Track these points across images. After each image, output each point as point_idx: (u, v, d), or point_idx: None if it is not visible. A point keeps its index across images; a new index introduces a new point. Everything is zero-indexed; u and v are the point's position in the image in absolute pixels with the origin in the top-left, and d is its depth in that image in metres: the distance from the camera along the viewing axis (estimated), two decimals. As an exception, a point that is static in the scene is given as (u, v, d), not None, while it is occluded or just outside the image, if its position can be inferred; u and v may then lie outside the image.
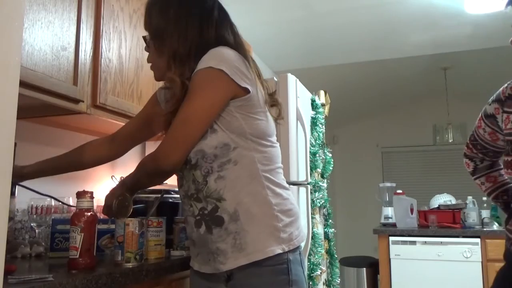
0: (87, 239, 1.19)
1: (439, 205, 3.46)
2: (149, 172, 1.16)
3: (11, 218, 1.44)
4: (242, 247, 1.09)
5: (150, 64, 1.25)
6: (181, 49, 1.14)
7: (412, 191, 4.26)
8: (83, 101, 1.54)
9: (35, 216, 1.55)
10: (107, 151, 1.45)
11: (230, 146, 1.10)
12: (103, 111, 1.65)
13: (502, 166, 1.37)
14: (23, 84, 1.23)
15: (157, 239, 1.42)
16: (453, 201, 3.48)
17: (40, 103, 1.42)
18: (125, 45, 1.76)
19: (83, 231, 1.18)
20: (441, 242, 3.13)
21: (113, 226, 1.42)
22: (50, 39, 1.40)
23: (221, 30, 1.20)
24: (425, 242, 3.17)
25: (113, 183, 2.13)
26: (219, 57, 1.09)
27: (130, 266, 1.24)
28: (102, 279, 1.09)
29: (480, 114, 1.40)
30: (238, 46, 1.19)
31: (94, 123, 1.79)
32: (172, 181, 2.10)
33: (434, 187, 4.94)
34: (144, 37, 1.23)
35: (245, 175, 1.11)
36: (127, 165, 2.33)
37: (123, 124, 1.53)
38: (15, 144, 0.84)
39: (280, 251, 1.09)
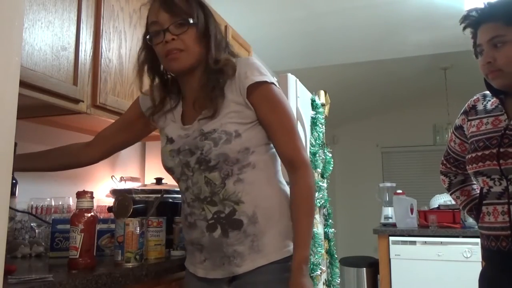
0: (87, 240, 1.19)
1: (439, 205, 3.46)
2: (314, 185, 1.16)
3: (11, 218, 1.44)
4: (260, 249, 1.10)
5: (179, 50, 1.14)
6: (222, 40, 1.20)
7: (412, 191, 4.25)
8: (83, 101, 1.54)
9: (34, 214, 1.55)
10: (85, 156, 1.42)
11: (249, 150, 1.12)
12: (103, 111, 1.65)
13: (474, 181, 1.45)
14: (23, 84, 1.23)
15: (157, 239, 1.42)
16: (453, 201, 3.48)
17: (40, 103, 1.42)
18: (125, 45, 1.76)
19: (83, 231, 1.18)
20: (441, 242, 3.13)
21: (113, 226, 1.42)
22: (50, 39, 1.40)
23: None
24: (425, 242, 3.17)
25: (113, 183, 2.13)
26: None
27: (130, 266, 1.24)
28: (102, 279, 1.09)
29: (451, 129, 1.51)
30: None
31: (94, 123, 1.79)
32: (171, 181, 2.10)
33: (434, 187, 4.91)
34: (186, 20, 1.14)
35: (263, 178, 1.14)
36: (127, 165, 2.33)
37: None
38: (15, 144, 0.84)
39: None
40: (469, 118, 1.39)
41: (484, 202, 1.31)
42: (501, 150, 1.22)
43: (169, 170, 1.22)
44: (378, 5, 3.11)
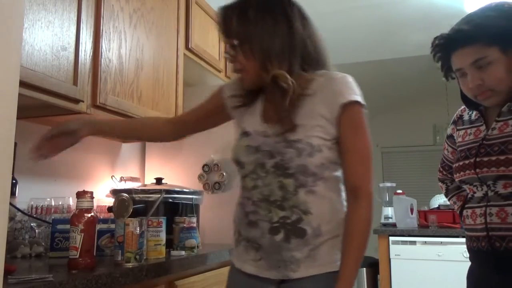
0: (87, 240, 1.19)
1: (439, 205, 3.46)
2: (372, 219, 1.13)
3: (11, 218, 1.44)
4: (316, 258, 1.11)
5: (239, 70, 1.19)
6: (275, 47, 1.14)
7: (412, 191, 4.24)
8: (83, 101, 1.54)
9: (35, 216, 1.55)
10: (167, 132, 1.45)
11: (325, 165, 1.13)
12: (103, 111, 1.65)
13: None
14: (23, 84, 1.23)
15: (157, 239, 1.43)
16: (453, 202, 3.47)
17: (40, 103, 1.43)
18: (125, 45, 1.76)
19: (83, 231, 1.18)
20: (441, 242, 3.13)
21: (113, 226, 1.42)
22: (50, 39, 1.40)
23: (305, 27, 1.19)
24: (425, 242, 3.17)
25: (113, 183, 2.13)
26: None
27: (130, 266, 1.25)
28: (102, 279, 1.09)
29: (445, 138, 1.57)
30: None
31: (94, 123, 1.79)
32: (171, 181, 2.10)
33: (434, 187, 4.90)
34: (232, 46, 1.16)
35: (332, 194, 1.15)
36: (127, 165, 2.33)
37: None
38: (15, 144, 0.84)
39: None
40: (457, 127, 1.45)
41: (466, 206, 1.37)
42: (477, 159, 1.28)
43: (238, 163, 1.20)
44: (378, 5, 3.11)
